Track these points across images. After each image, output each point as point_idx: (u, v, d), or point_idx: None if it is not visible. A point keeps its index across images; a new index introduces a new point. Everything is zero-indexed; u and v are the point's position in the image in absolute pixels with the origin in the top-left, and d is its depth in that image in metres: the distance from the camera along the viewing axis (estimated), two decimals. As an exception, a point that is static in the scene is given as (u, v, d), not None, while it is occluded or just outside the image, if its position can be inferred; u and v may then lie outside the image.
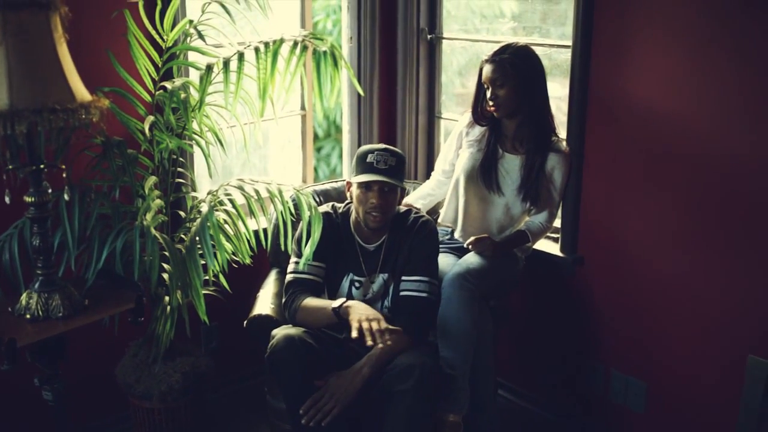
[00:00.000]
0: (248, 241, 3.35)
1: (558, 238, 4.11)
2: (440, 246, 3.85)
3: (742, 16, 3.26)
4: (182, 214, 3.57)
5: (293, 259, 3.52)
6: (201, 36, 3.30)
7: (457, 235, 3.98)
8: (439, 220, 4.06)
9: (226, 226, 3.30)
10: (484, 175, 3.87)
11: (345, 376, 3.26)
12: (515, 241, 3.87)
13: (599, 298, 3.99)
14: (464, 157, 3.96)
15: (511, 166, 3.87)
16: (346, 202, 3.66)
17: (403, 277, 3.54)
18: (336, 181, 4.26)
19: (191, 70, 3.51)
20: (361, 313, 3.24)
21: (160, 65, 3.31)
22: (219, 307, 3.70)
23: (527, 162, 3.84)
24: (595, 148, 3.84)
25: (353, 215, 3.59)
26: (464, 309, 3.51)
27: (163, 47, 3.35)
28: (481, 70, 3.82)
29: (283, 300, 3.49)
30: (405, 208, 3.73)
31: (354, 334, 3.19)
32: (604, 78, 3.75)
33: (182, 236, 3.42)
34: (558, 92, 4.14)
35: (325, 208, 3.62)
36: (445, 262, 3.76)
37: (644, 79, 3.60)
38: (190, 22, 3.33)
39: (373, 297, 3.59)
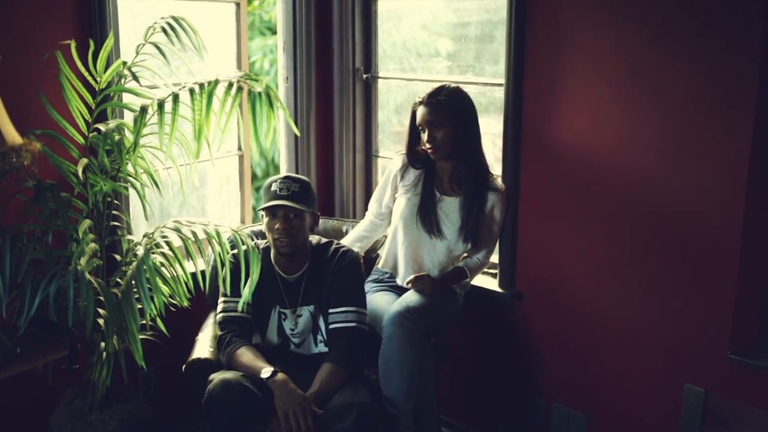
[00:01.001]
0: (186, 283, 3.27)
1: (496, 273, 4.11)
2: (379, 284, 3.83)
3: (660, 56, 3.37)
4: (118, 257, 3.49)
5: (222, 298, 3.52)
6: (135, 77, 3.25)
7: (399, 281, 3.95)
8: (379, 266, 4.04)
9: (163, 268, 3.23)
10: (423, 219, 3.85)
11: (290, 394, 3.27)
12: (454, 277, 3.86)
13: (539, 332, 4.00)
14: (401, 203, 3.94)
15: (449, 208, 3.86)
16: (267, 240, 3.64)
17: (330, 310, 3.55)
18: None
19: (126, 111, 3.43)
20: (287, 405, 3.24)
21: (93, 107, 3.24)
22: (157, 352, 3.61)
23: (466, 203, 3.84)
24: (530, 184, 3.87)
25: (273, 248, 3.60)
26: (406, 347, 3.48)
27: (97, 89, 3.29)
28: (414, 112, 3.82)
29: (217, 340, 3.47)
30: (326, 240, 3.73)
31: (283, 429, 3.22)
32: (536, 115, 3.80)
33: (118, 280, 3.33)
34: (494, 128, 4.15)
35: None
36: (385, 300, 3.73)
37: (574, 116, 3.66)
38: (124, 63, 3.28)
39: (304, 330, 3.61)
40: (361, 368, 3.54)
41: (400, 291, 3.88)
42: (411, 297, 3.67)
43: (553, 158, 3.77)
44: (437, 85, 3.84)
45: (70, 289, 2.99)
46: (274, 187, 3.52)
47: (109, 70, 3.26)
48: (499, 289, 4.09)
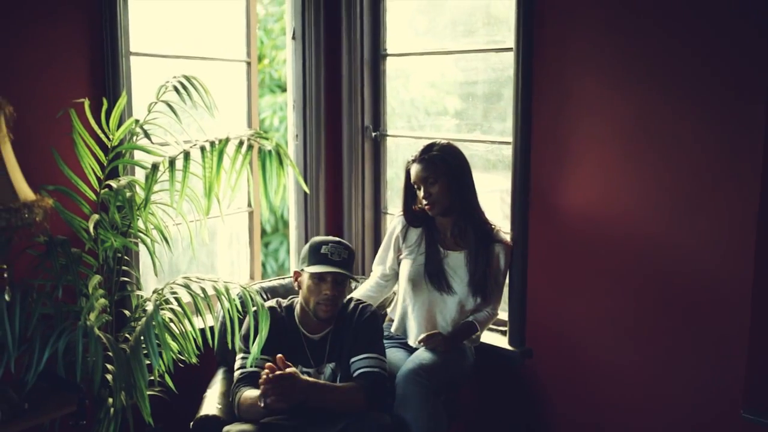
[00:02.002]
0: (195, 339, 3.27)
1: (506, 331, 4.10)
2: (390, 341, 3.82)
3: (669, 112, 3.40)
4: (127, 313, 3.50)
5: (240, 355, 3.50)
6: (147, 135, 3.29)
7: (410, 342, 3.96)
8: (393, 330, 4.04)
9: (172, 324, 3.23)
10: (432, 278, 3.87)
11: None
12: (464, 333, 3.87)
13: (549, 389, 3.98)
14: (406, 266, 3.97)
15: (456, 263, 3.89)
16: (291, 296, 3.67)
17: (353, 359, 3.54)
18: (284, 278, 4.23)
19: (137, 168, 3.47)
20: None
21: (105, 164, 3.28)
22: (165, 408, 3.60)
23: (472, 257, 3.87)
24: (539, 240, 3.87)
25: (298, 307, 3.62)
26: (420, 405, 3.48)
27: (109, 146, 3.33)
28: (408, 171, 3.87)
29: (231, 398, 3.45)
30: (347, 297, 3.74)
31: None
32: (544, 171, 3.83)
33: (127, 336, 3.35)
34: (502, 185, 4.17)
35: (270, 303, 3.63)
36: (397, 357, 3.73)
37: (582, 172, 3.69)
38: (137, 121, 3.32)
39: None
40: (379, 408, 3.51)
41: (411, 348, 3.87)
42: (423, 354, 3.68)
43: (562, 214, 3.79)
44: (428, 142, 3.88)
45: (79, 345, 3.00)
46: (324, 251, 3.55)
47: (122, 128, 3.30)
48: (508, 347, 4.08)
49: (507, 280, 4.02)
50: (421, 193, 3.82)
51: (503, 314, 4.13)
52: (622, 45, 3.51)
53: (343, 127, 4.73)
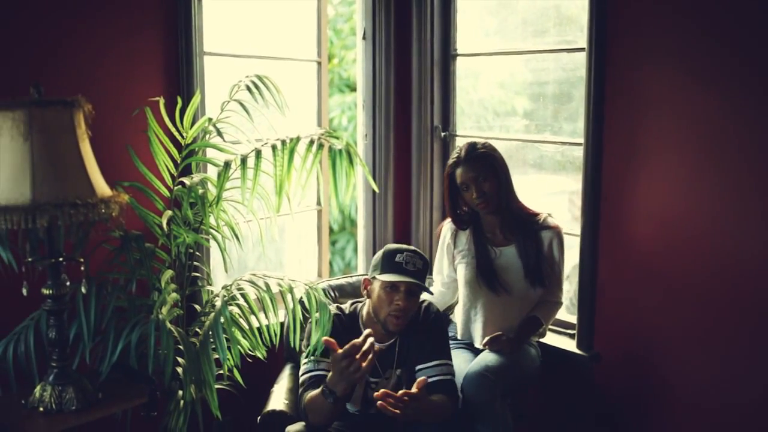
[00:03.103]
0: (262, 335, 3.35)
1: (574, 334, 4.10)
2: (455, 342, 3.86)
3: (756, 108, 3.32)
4: (197, 307, 3.59)
5: (305, 360, 3.47)
6: (219, 133, 3.36)
7: (476, 344, 3.97)
8: (459, 336, 4.05)
9: (241, 320, 3.31)
10: (485, 280, 3.89)
11: None
12: (529, 329, 3.88)
13: (617, 397, 3.95)
14: (461, 270, 3.99)
15: (508, 259, 3.91)
16: (352, 301, 3.66)
17: (421, 366, 3.50)
18: (351, 276, 4.28)
19: (209, 165, 3.56)
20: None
21: (179, 161, 3.37)
22: (233, 402, 3.69)
23: (522, 247, 3.89)
24: (610, 244, 3.85)
25: (364, 313, 3.58)
26: (487, 408, 3.50)
27: (183, 144, 3.41)
28: (450, 174, 3.87)
29: (298, 400, 3.45)
30: None
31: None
32: (616, 174, 3.80)
33: (197, 330, 3.42)
34: (570, 187, 4.19)
35: (332, 309, 3.55)
36: (462, 359, 3.76)
37: (657, 175, 3.65)
38: (210, 119, 3.39)
39: None
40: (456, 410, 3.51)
41: (477, 350, 3.91)
42: (489, 356, 3.71)
43: (634, 217, 3.77)
44: (465, 143, 3.92)
45: (152, 337, 3.08)
46: (399, 259, 3.47)
47: (195, 126, 3.39)
48: (576, 350, 4.08)
49: (565, 268, 4.02)
50: (471, 194, 3.85)
51: (572, 317, 4.13)
52: (703, 43, 3.46)
53: (412, 127, 4.77)
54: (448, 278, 4.12)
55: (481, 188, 3.81)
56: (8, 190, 2.70)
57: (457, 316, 4.06)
